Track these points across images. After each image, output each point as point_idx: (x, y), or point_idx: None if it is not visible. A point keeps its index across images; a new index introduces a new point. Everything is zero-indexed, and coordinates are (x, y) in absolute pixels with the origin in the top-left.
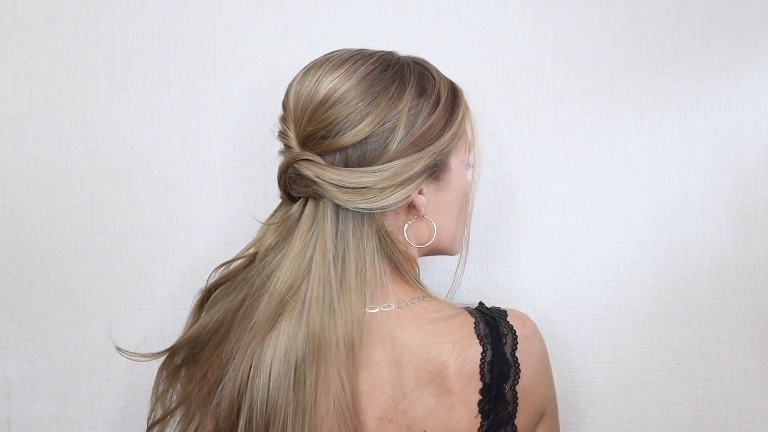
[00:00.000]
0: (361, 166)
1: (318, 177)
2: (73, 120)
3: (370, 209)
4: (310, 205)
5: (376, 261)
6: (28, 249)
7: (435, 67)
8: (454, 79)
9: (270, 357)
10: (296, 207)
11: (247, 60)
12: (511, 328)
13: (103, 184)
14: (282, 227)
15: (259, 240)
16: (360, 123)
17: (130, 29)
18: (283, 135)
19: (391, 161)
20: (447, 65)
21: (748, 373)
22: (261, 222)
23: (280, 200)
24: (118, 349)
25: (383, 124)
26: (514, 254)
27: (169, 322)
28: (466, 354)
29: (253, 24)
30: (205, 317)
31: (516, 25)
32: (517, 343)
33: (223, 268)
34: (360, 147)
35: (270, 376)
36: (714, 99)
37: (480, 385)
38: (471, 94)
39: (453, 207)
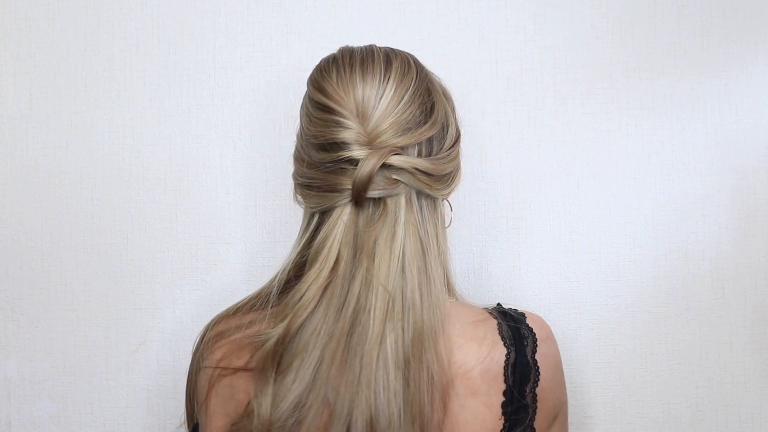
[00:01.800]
0: (432, 155)
1: (416, 168)
2: (73, 120)
3: (447, 194)
4: (390, 202)
5: (441, 246)
6: (28, 249)
7: None
8: (454, 79)
9: (383, 373)
10: (381, 207)
11: (247, 60)
12: (530, 330)
13: (103, 184)
14: (369, 232)
15: (326, 257)
16: (433, 113)
17: (130, 29)
18: (335, 130)
19: (453, 145)
20: (447, 65)
21: (748, 373)
22: (260, 221)
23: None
24: None
25: (444, 111)
26: (514, 254)
27: (169, 322)
28: (492, 356)
29: (253, 24)
30: (297, 372)
31: (516, 25)
32: (536, 345)
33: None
34: (433, 136)
35: (389, 390)
36: (714, 99)
37: (503, 387)
38: (471, 94)
39: None
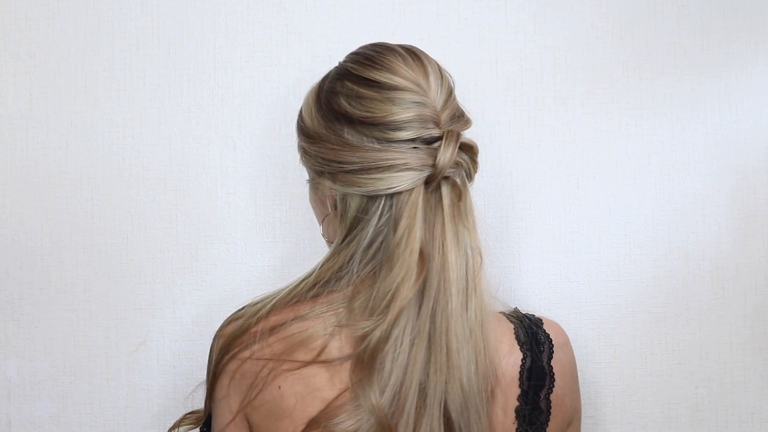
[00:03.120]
0: None
1: (476, 148)
2: (73, 120)
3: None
4: (449, 184)
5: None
6: (28, 249)
7: None
8: (454, 79)
9: (463, 349)
10: (454, 188)
11: (247, 60)
12: (547, 336)
13: (103, 184)
14: (447, 213)
15: (413, 245)
16: (463, 110)
17: (130, 29)
18: (410, 107)
19: None
20: (447, 65)
21: (748, 373)
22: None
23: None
24: None
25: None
26: (514, 254)
27: (169, 322)
28: (508, 359)
29: (253, 24)
30: (393, 362)
31: (516, 25)
32: (552, 352)
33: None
34: None
35: (470, 364)
36: (714, 99)
37: (518, 392)
38: (471, 94)
39: None
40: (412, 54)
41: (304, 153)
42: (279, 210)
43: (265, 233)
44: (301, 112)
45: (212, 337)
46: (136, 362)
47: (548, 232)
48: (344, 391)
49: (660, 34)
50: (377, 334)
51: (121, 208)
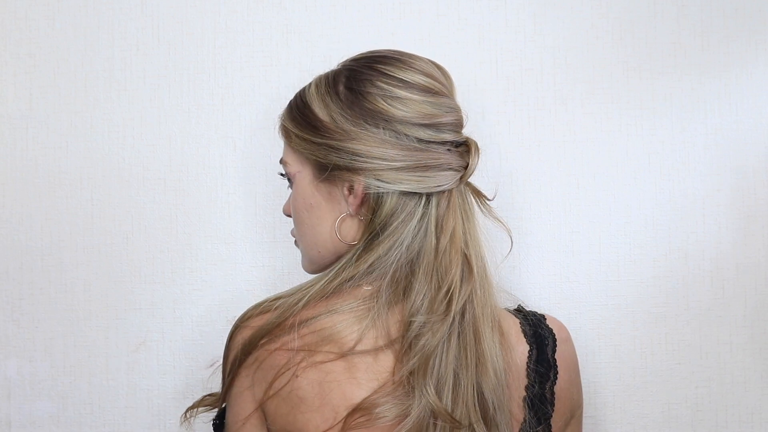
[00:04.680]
0: None
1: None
2: (73, 120)
3: None
4: (465, 184)
5: None
6: (28, 249)
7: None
8: (454, 79)
9: (490, 339)
10: (472, 190)
11: (247, 60)
12: (550, 331)
13: (103, 184)
14: (469, 211)
15: (458, 244)
16: None
17: (130, 29)
18: (446, 111)
19: None
20: (447, 65)
21: (748, 373)
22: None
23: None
24: None
25: None
26: (514, 254)
27: (169, 322)
28: (516, 350)
29: (253, 24)
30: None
31: (516, 25)
32: (556, 345)
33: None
34: None
35: (496, 351)
36: (714, 99)
37: (525, 382)
38: (471, 94)
39: None
40: (433, 62)
41: (329, 149)
42: (279, 210)
43: (265, 233)
44: (308, 107)
45: (232, 326)
46: (136, 362)
47: (548, 232)
48: (386, 382)
49: (660, 34)
50: (442, 329)
51: (121, 208)
